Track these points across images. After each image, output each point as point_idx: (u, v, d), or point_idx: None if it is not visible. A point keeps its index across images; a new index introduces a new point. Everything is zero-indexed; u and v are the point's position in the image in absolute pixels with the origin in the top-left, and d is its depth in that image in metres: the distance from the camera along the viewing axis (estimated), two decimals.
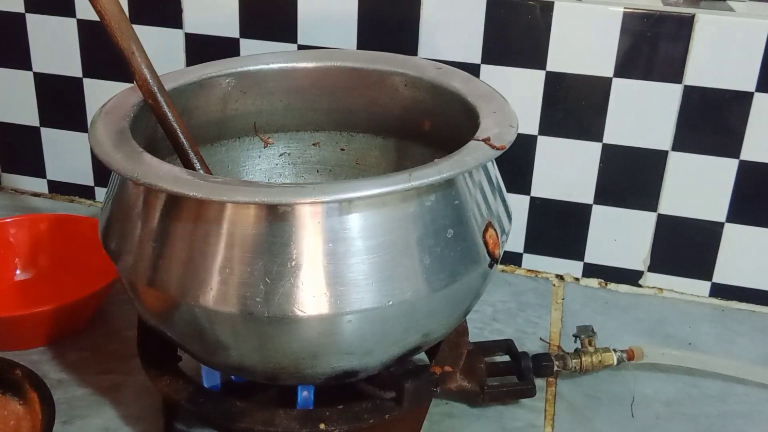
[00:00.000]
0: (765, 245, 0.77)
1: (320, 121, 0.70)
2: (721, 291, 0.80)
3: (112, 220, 0.55)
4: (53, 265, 0.78)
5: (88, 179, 0.95)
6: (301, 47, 0.82)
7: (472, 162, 0.50)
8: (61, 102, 0.91)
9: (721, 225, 0.78)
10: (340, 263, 0.48)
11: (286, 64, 0.67)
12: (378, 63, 0.66)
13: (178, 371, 0.59)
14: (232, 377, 0.60)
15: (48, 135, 0.94)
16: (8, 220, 0.79)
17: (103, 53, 0.87)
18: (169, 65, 0.68)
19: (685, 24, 0.72)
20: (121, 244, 0.53)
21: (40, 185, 0.97)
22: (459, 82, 0.62)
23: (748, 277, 0.79)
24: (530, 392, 0.64)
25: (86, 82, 0.89)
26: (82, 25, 0.87)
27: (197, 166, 0.58)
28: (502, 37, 0.76)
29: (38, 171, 0.96)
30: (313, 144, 0.71)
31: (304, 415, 0.54)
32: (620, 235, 0.81)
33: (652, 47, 0.73)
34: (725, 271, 0.79)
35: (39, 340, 0.70)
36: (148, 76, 0.56)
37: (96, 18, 0.54)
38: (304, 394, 0.56)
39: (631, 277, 0.82)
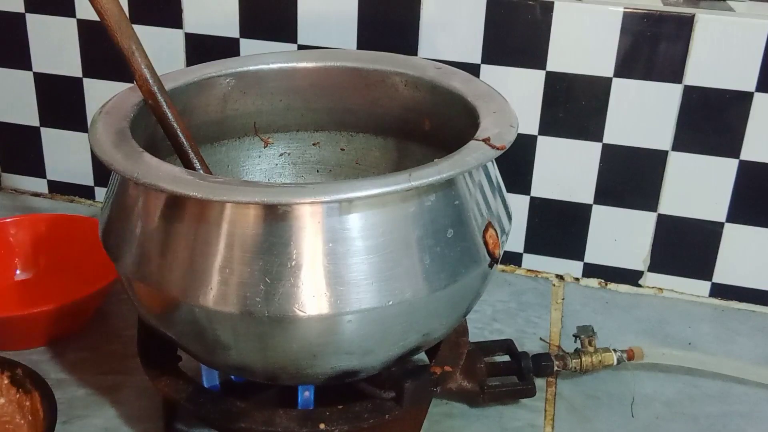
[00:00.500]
0: (765, 245, 0.77)
1: (320, 121, 0.70)
2: (721, 291, 0.80)
3: (112, 220, 0.55)
4: (53, 265, 0.78)
5: (88, 179, 0.95)
6: (301, 47, 0.82)
7: (472, 162, 0.50)
8: (61, 102, 0.91)
9: (721, 225, 0.78)
10: (340, 263, 0.48)
11: (286, 64, 0.67)
12: (378, 63, 0.66)
13: (178, 371, 0.59)
14: (232, 377, 0.60)
15: (48, 135, 0.94)
16: (8, 220, 0.79)
17: (103, 53, 0.87)
18: (169, 65, 0.68)
19: (685, 24, 0.72)
20: (121, 244, 0.53)
21: (40, 185, 0.97)
22: (459, 82, 0.62)
23: (748, 277, 0.79)
24: (530, 392, 0.64)
25: (86, 82, 0.89)
26: (82, 25, 0.87)
27: (197, 166, 0.58)
28: (502, 37, 0.76)
29: (38, 171, 0.96)
30: (313, 144, 0.71)
31: (304, 415, 0.54)
32: (620, 235, 0.81)
33: (652, 47, 0.73)
34: (725, 271, 0.79)
35: (39, 340, 0.70)
36: (148, 76, 0.56)
37: (96, 18, 0.54)
38: (305, 394, 0.56)
39: (631, 277, 0.82)
